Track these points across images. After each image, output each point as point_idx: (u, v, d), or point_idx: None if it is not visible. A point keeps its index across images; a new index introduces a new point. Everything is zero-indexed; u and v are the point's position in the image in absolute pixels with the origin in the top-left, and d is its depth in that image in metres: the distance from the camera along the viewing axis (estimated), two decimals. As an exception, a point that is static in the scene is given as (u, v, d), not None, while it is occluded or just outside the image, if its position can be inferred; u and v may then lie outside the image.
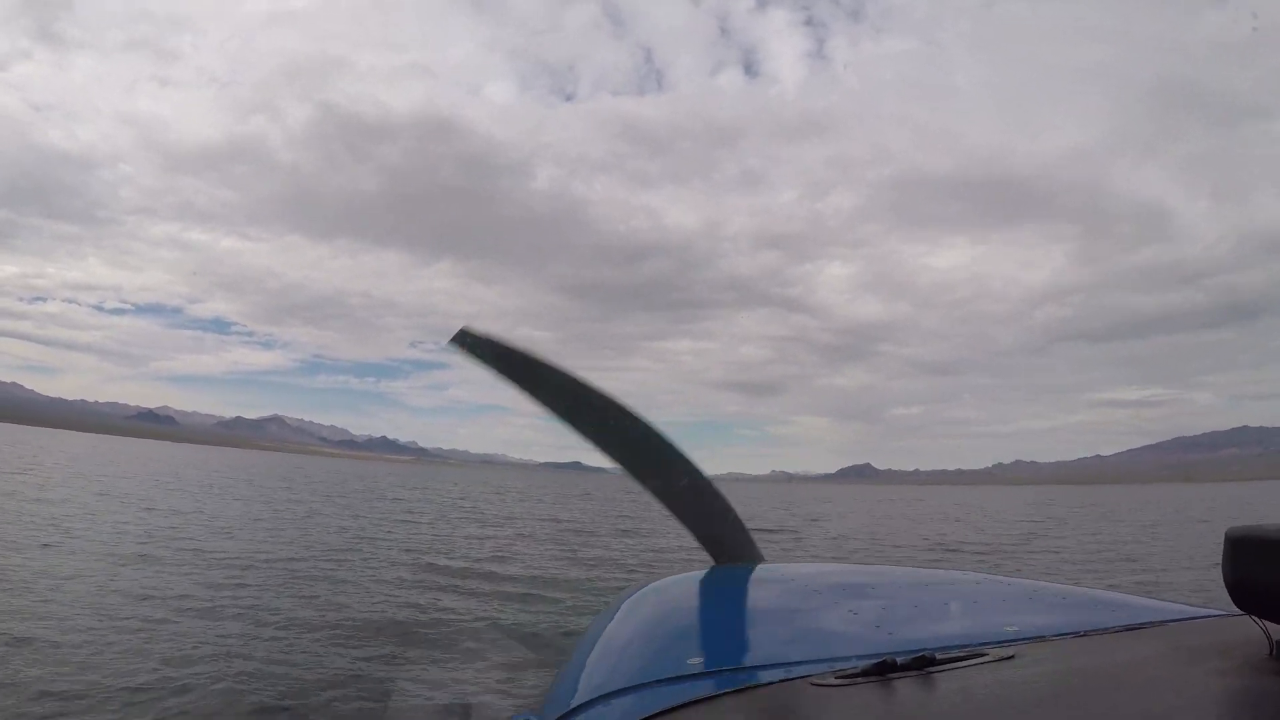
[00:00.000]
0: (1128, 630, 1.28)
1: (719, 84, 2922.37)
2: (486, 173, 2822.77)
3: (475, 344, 1.98)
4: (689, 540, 2.13)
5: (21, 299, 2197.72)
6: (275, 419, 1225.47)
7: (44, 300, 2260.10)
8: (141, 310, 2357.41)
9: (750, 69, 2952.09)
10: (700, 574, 1.96)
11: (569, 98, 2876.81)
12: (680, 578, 1.95)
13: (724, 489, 2.18)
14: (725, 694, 1.08)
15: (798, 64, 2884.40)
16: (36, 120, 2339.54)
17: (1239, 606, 1.05)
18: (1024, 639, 1.23)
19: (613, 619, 1.60)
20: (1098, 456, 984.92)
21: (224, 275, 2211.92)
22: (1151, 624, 1.31)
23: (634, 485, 2.10)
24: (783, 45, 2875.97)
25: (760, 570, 2.02)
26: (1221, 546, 1.05)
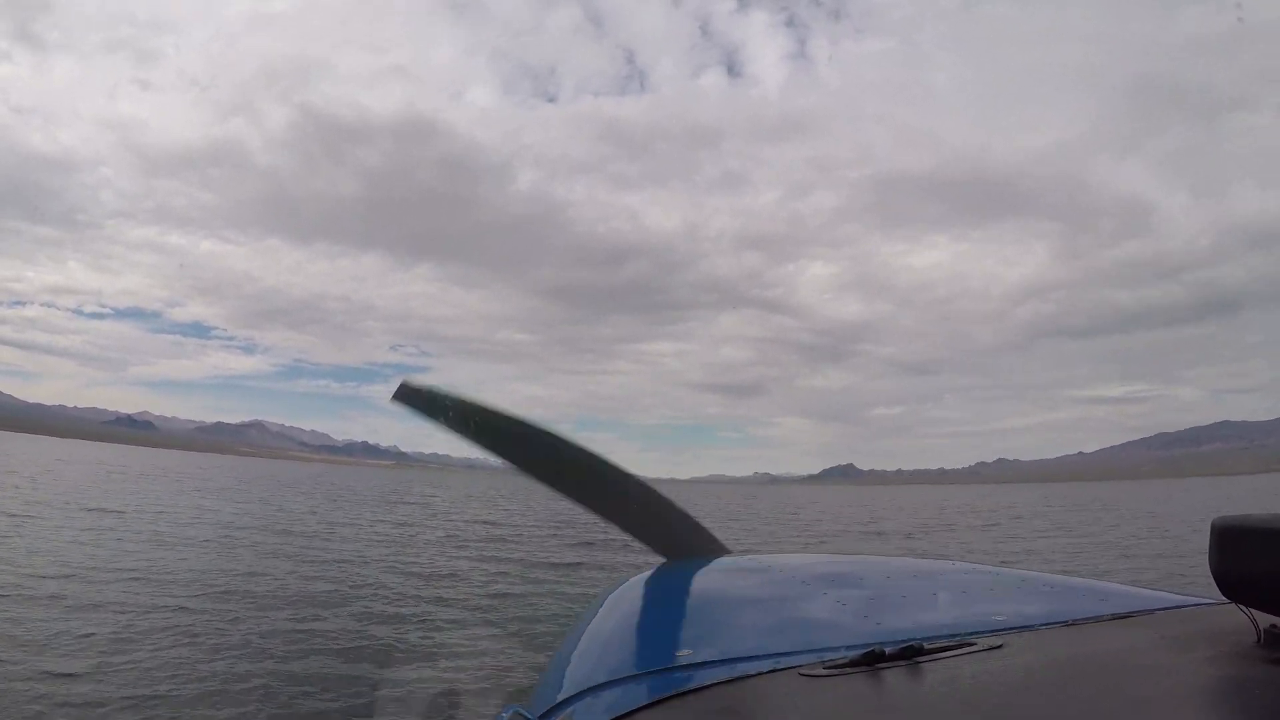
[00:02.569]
0: (1115, 619, 1.29)
1: (700, 85, 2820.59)
2: (467, 175, 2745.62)
3: (416, 397, 1.97)
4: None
5: (0, 303, 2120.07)
6: (256, 424, 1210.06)
7: (23, 304, 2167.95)
8: (121, 314, 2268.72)
9: (732, 70, 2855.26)
10: (686, 565, 1.93)
11: (551, 99, 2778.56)
12: (666, 569, 1.92)
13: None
14: (713, 685, 1.08)
15: (779, 65, 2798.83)
16: (17, 123, 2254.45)
17: (1226, 595, 1.06)
18: (1012, 628, 1.24)
19: (599, 612, 1.59)
20: (1080, 453, 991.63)
21: (203, 279, 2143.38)
22: (1139, 613, 1.32)
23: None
24: (764, 46, 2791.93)
25: (747, 561, 1.99)
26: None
